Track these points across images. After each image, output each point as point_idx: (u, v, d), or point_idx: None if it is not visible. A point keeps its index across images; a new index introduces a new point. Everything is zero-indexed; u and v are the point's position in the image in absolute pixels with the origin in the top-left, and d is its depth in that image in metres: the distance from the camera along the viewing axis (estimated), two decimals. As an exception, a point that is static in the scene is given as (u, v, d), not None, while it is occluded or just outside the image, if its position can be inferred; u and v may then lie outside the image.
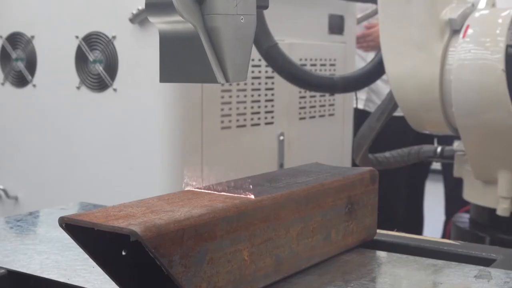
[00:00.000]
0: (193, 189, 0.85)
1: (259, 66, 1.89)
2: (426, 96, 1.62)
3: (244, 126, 1.89)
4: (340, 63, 2.29)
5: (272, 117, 1.99)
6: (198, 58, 0.81)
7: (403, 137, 2.61)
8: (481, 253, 1.00)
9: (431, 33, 1.60)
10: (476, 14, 1.59)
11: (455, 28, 1.59)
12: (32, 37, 1.92)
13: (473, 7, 1.63)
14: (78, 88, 1.82)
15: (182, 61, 0.83)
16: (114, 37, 1.75)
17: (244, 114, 1.89)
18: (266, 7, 0.92)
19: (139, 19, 1.66)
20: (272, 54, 1.71)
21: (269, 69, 1.86)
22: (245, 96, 1.88)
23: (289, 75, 1.76)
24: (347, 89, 1.94)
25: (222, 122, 1.81)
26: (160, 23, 0.82)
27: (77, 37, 1.81)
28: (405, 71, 1.64)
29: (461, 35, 1.56)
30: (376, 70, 1.86)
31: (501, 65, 1.48)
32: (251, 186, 0.85)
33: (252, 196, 0.81)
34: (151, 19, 0.82)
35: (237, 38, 0.83)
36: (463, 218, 1.88)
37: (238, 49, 0.84)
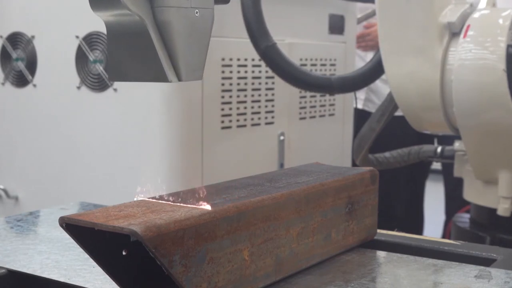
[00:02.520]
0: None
1: (259, 66, 1.89)
2: (427, 98, 1.62)
3: (244, 126, 1.89)
4: (340, 63, 2.29)
5: (273, 117, 1.99)
6: (148, 55, 0.75)
7: (403, 137, 2.61)
8: (481, 253, 1.00)
9: (430, 37, 1.60)
10: (477, 14, 1.59)
11: (454, 31, 1.59)
12: (33, 37, 1.92)
13: (472, 7, 1.63)
14: (78, 88, 1.82)
15: (131, 58, 0.76)
16: (114, 37, 1.74)
17: (244, 114, 1.89)
18: (227, 1, 0.85)
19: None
20: (270, 53, 1.71)
21: (270, 69, 1.86)
22: (245, 96, 1.88)
23: (287, 75, 1.76)
24: (344, 89, 1.93)
25: (222, 122, 1.81)
26: (106, 16, 0.75)
27: (77, 37, 1.81)
28: (405, 75, 1.64)
29: (461, 35, 1.56)
30: (374, 71, 1.86)
31: (501, 65, 1.48)
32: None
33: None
34: (96, 12, 0.75)
35: (191, 33, 0.77)
36: (463, 218, 1.88)
37: (193, 45, 0.77)
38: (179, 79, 0.76)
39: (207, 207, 0.75)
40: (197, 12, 0.77)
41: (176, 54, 0.75)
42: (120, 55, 0.77)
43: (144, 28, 0.73)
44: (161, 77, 0.75)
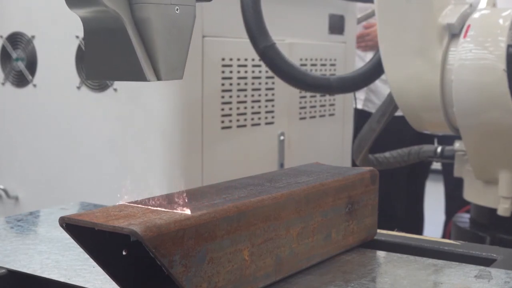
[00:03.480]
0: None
1: (259, 66, 1.89)
2: (427, 99, 1.62)
3: (244, 126, 1.89)
4: (340, 63, 2.29)
5: (273, 117, 1.99)
6: (125, 53, 0.72)
7: (403, 137, 2.61)
8: (482, 253, 1.00)
9: (430, 39, 1.60)
10: (477, 14, 1.59)
11: (453, 33, 1.59)
12: (33, 37, 1.92)
13: (472, 7, 1.63)
14: (78, 88, 1.82)
15: (108, 56, 0.74)
16: (114, 37, 1.74)
17: (245, 114, 1.89)
18: None
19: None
20: (269, 54, 1.71)
21: (269, 69, 1.86)
22: (245, 96, 1.88)
23: (286, 75, 1.76)
24: (343, 90, 1.93)
25: (223, 122, 1.81)
26: (83, 13, 0.73)
27: (77, 37, 1.81)
28: (406, 77, 1.64)
29: (461, 35, 1.56)
30: (373, 71, 1.85)
31: (502, 65, 1.48)
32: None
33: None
34: (72, 8, 0.73)
35: (170, 31, 0.74)
36: (464, 218, 1.88)
37: (172, 43, 0.75)
38: (158, 78, 0.74)
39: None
40: (177, 9, 0.75)
41: (155, 53, 0.73)
42: (98, 53, 0.75)
43: (121, 25, 0.71)
44: (139, 76, 0.73)
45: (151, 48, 0.73)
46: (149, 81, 0.73)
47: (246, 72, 1.88)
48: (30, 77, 1.94)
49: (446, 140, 2.24)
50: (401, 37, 1.64)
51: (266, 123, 1.97)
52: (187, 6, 0.76)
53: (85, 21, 0.74)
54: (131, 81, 0.75)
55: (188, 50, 0.78)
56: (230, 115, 1.84)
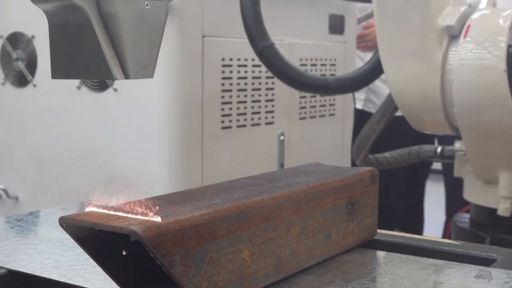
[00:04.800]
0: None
1: (259, 66, 1.89)
2: (428, 101, 1.62)
3: (244, 126, 1.89)
4: (340, 63, 2.29)
5: (273, 117, 1.99)
6: (92, 50, 0.69)
7: (403, 137, 2.61)
8: (482, 253, 1.00)
9: (429, 41, 1.60)
10: (477, 14, 1.59)
11: (453, 34, 1.59)
12: (33, 37, 1.92)
13: (471, 8, 1.63)
14: (78, 88, 1.82)
15: (74, 53, 0.70)
16: (114, 37, 1.74)
17: (245, 114, 1.89)
18: None
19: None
20: (267, 54, 1.71)
21: (267, 69, 1.86)
22: (245, 96, 1.88)
23: (284, 75, 1.76)
24: (341, 90, 1.93)
25: (223, 122, 1.81)
26: (47, 8, 0.70)
27: (77, 37, 1.81)
28: (406, 79, 1.64)
29: (462, 35, 1.56)
30: (372, 72, 1.85)
31: (502, 65, 1.48)
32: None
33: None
34: (36, 3, 0.70)
35: (140, 27, 0.71)
36: (464, 218, 1.88)
37: (142, 40, 0.71)
38: (127, 77, 0.71)
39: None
40: (147, 4, 0.71)
41: (123, 50, 0.69)
42: (64, 51, 0.71)
43: (87, 21, 0.68)
44: (106, 74, 0.70)
45: (119, 45, 0.69)
46: (116, 79, 0.70)
47: (246, 72, 1.88)
48: (30, 77, 1.94)
49: (447, 140, 2.23)
50: (400, 39, 1.64)
51: (266, 123, 1.97)
52: (159, 1, 0.72)
53: (49, 16, 0.71)
54: (98, 79, 0.73)
55: (160, 48, 0.74)
56: (230, 115, 1.84)
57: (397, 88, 1.67)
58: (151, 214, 0.72)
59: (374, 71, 1.84)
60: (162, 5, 0.73)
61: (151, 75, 0.74)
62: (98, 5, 0.68)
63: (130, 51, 0.70)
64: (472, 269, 0.91)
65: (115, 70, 0.70)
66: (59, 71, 0.73)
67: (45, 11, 0.71)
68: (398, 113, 1.80)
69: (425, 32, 1.60)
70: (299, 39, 2.10)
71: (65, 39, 0.70)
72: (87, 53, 0.69)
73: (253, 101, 1.91)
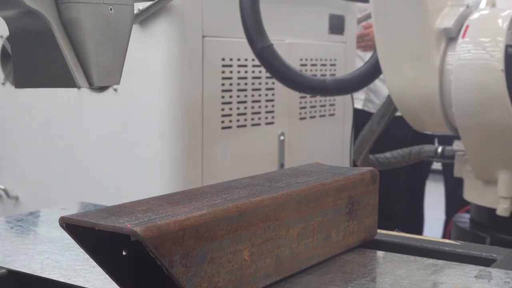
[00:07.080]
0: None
1: (259, 66, 1.89)
2: (427, 102, 1.62)
3: (244, 126, 1.89)
4: (340, 63, 2.29)
5: (273, 117, 1.99)
6: (54, 58, 0.67)
7: (403, 137, 2.61)
8: (482, 253, 1.00)
9: (427, 44, 1.60)
10: (476, 15, 1.59)
11: (451, 36, 1.59)
12: (33, 37, 1.92)
13: (469, 9, 1.63)
14: (78, 88, 1.82)
15: (37, 61, 0.68)
16: (114, 37, 1.74)
17: (245, 114, 1.89)
18: None
19: (139, 19, 1.66)
20: (265, 54, 1.71)
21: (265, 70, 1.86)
22: (245, 96, 1.88)
23: (281, 76, 1.76)
24: (339, 91, 1.92)
25: (223, 122, 1.81)
26: (7, 15, 0.67)
27: (77, 37, 1.81)
28: (404, 81, 1.64)
29: (460, 36, 1.56)
30: (370, 73, 1.85)
31: (500, 65, 1.49)
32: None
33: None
34: None
35: (103, 32, 0.68)
36: (464, 218, 1.88)
37: (106, 46, 0.69)
38: (90, 84, 0.69)
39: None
40: (111, 9, 0.69)
41: (86, 56, 0.67)
42: (26, 59, 0.69)
43: (47, 27, 0.65)
44: (69, 82, 0.67)
45: (82, 51, 0.67)
46: (79, 87, 0.68)
47: (246, 72, 1.88)
48: (30, 77, 1.93)
49: (447, 140, 2.24)
50: (398, 42, 1.64)
51: (266, 123, 1.97)
52: (124, 5, 0.70)
53: (9, 24, 0.68)
54: (61, 87, 0.69)
55: (126, 53, 0.72)
56: (230, 115, 1.84)
57: (396, 90, 1.67)
58: (151, 214, 0.72)
59: (372, 72, 1.84)
60: (128, 9, 0.71)
61: (117, 82, 0.72)
62: (59, 11, 0.66)
63: (93, 57, 0.68)
64: (472, 269, 0.91)
65: (78, 77, 0.68)
66: (22, 80, 0.70)
67: (5, 18, 0.68)
68: (399, 113, 1.80)
69: (423, 34, 1.60)
70: (299, 39, 2.10)
71: (27, 47, 0.68)
72: (49, 61, 0.68)
73: (253, 101, 1.91)
